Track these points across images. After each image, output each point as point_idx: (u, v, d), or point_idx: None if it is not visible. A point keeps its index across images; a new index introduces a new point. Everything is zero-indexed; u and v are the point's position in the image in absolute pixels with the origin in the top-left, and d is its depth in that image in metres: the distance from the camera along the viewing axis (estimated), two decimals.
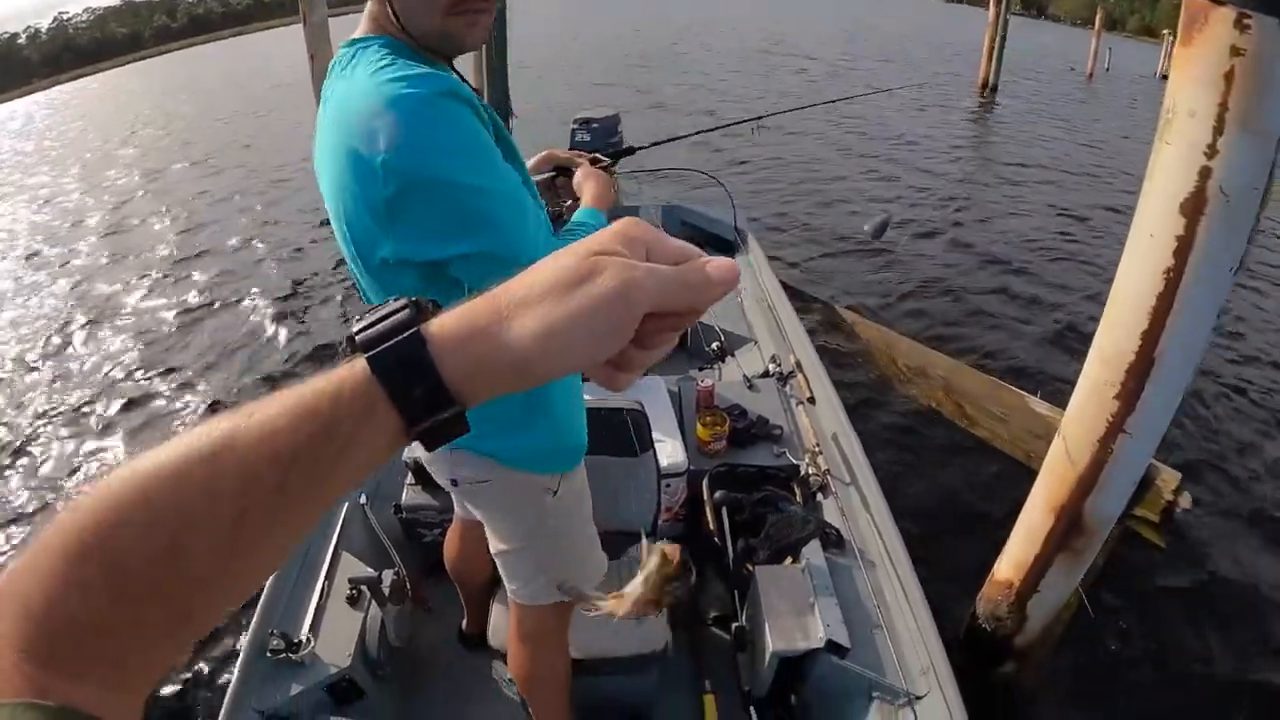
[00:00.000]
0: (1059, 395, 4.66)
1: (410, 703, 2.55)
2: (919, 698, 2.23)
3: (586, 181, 1.66)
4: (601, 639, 2.30)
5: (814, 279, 6.88)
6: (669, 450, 2.84)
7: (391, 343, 0.46)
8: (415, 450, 1.69)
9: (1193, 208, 1.81)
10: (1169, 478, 3.73)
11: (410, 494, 2.76)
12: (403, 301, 0.48)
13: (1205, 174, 1.77)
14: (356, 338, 0.47)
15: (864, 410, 4.73)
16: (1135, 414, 2.18)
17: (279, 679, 2.16)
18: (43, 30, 74.49)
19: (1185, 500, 3.74)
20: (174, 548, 0.41)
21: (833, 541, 2.61)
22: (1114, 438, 2.25)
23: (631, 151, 2.01)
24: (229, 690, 2.11)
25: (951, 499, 4.16)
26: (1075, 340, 5.75)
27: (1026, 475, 3.92)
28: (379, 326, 0.47)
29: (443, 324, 0.47)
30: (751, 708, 2.39)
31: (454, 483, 1.67)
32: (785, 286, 4.31)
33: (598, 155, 1.86)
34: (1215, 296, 1.94)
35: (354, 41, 1.25)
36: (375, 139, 1.08)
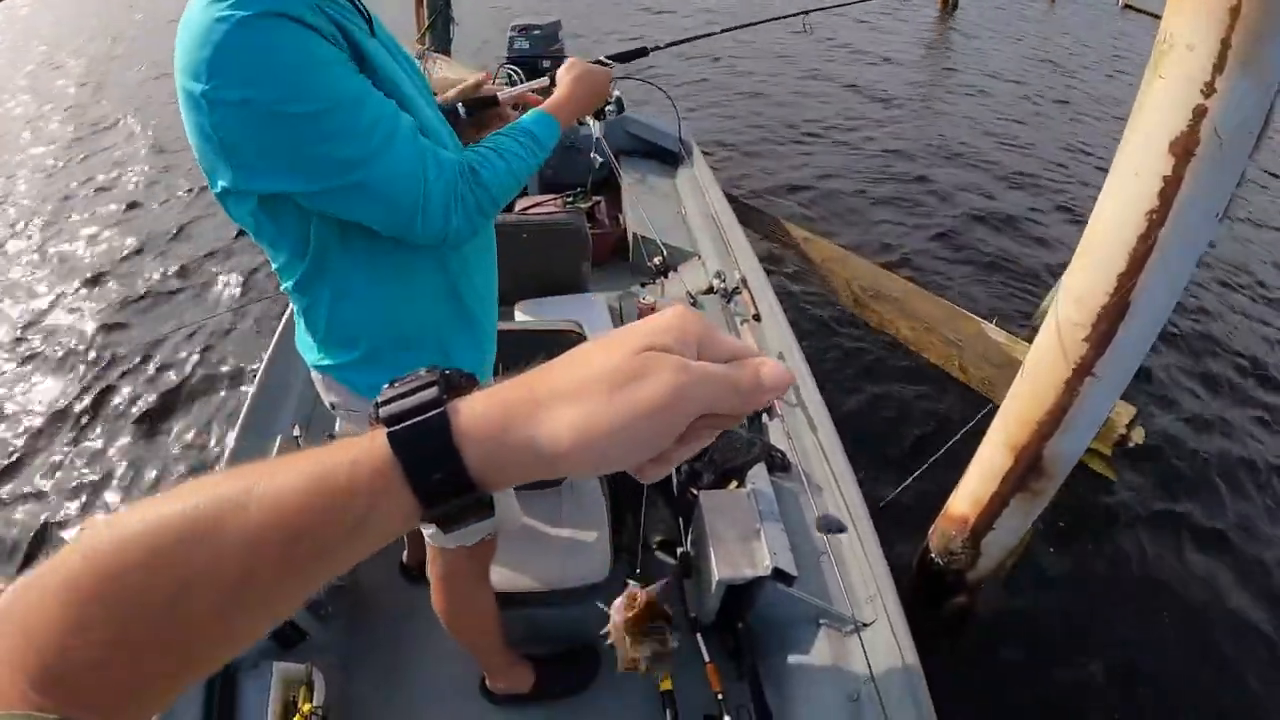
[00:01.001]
0: (1014, 325, 4.69)
1: (355, 639, 2.47)
2: (865, 625, 2.24)
3: (567, 74, 1.56)
4: (542, 571, 2.26)
5: (762, 197, 6.71)
6: None
7: (415, 421, 0.44)
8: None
9: (1183, 147, 1.73)
10: (1123, 411, 3.78)
11: (343, 425, 2.60)
12: (433, 376, 0.47)
13: (1200, 113, 1.68)
14: (380, 410, 0.46)
15: (812, 331, 4.69)
16: (1105, 357, 2.13)
17: None
18: None
19: (1138, 435, 3.80)
20: (175, 602, 0.40)
21: (779, 465, 2.55)
22: (1080, 380, 2.22)
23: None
24: None
25: (901, 425, 4.17)
26: (1031, 274, 5.72)
27: (980, 403, 3.96)
28: (405, 402, 0.45)
29: (473, 407, 0.45)
30: (699, 635, 2.36)
31: (332, 406, 1.61)
32: (731, 201, 4.16)
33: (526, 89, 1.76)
34: (1198, 242, 1.89)
35: None
36: (198, 71, 1.04)
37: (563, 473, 0.45)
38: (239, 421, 2.68)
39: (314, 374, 1.56)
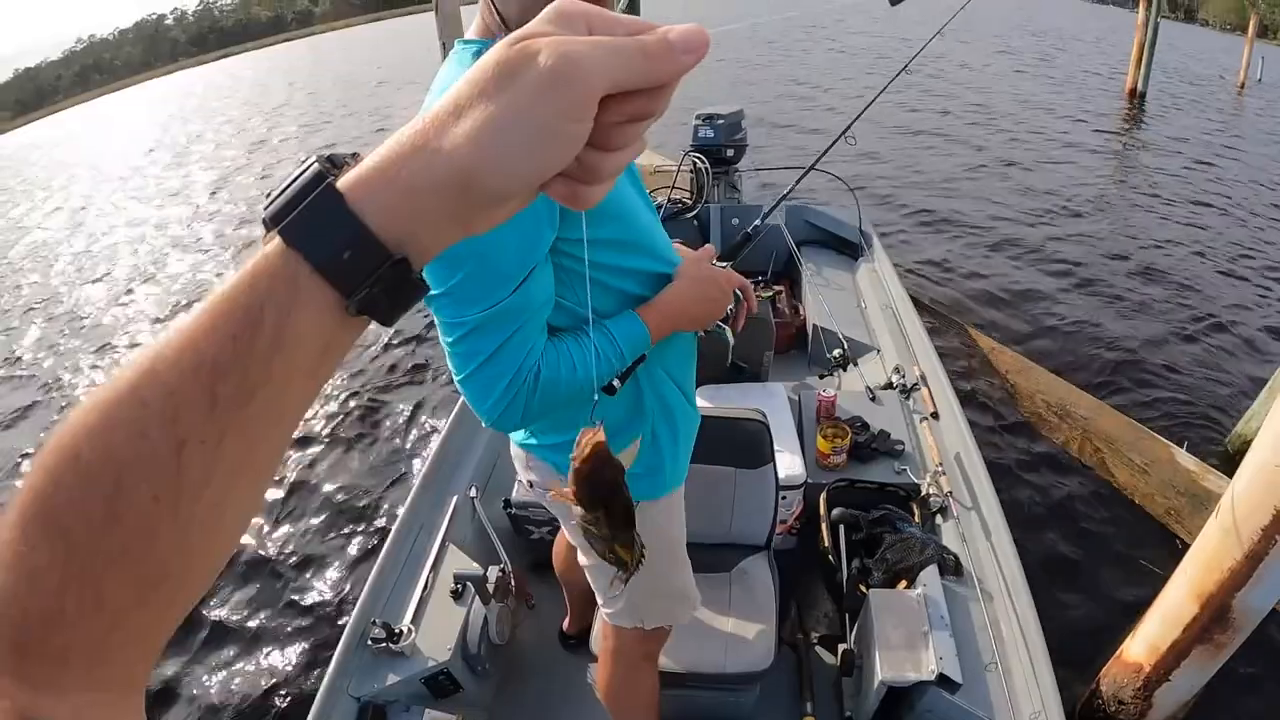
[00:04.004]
0: (1206, 452, 4.37)
1: (507, 700, 2.59)
2: None
3: (676, 281, 1.40)
4: (706, 653, 2.30)
5: (945, 298, 6.61)
6: (787, 461, 2.80)
7: (302, 205, 0.39)
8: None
9: None
10: None
11: (521, 490, 2.77)
12: (312, 158, 0.41)
13: None
14: (265, 215, 0.40)
15: (990, 440, 4.52)
16: None
17: (378, 668, 2.19)
18: (189, 12, 79.42)
19: None
20: (113, 501, 0.35)
21: (950, 568, 2.52)
22: (1276, 532, 2.06)
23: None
24: (326, 676, 2.15)
25: (1077, 549, 3.92)
26: (1232, 396, 5.29)
27: (1163, 534, 3.71)
28: (286, 193, 0.40)
29: (360, 168, 0.40)
30: None
31: (530, 485, 1.65)
32: (914, 301, 4.18)
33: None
34: None
35: (465, 43, 1.24)
36: None
37: (489, 193, 0.40)
38: (419, 478, 2.90)
39: (514, 449, 1.64)
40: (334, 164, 0.41)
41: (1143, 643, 2.54)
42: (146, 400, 0.36)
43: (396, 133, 0.40)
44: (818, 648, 2.69)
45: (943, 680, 2.21)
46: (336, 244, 0.39)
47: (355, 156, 0.42)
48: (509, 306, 1.12)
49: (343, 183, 0.39)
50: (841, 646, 2.45)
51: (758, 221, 3.69)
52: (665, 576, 1.79)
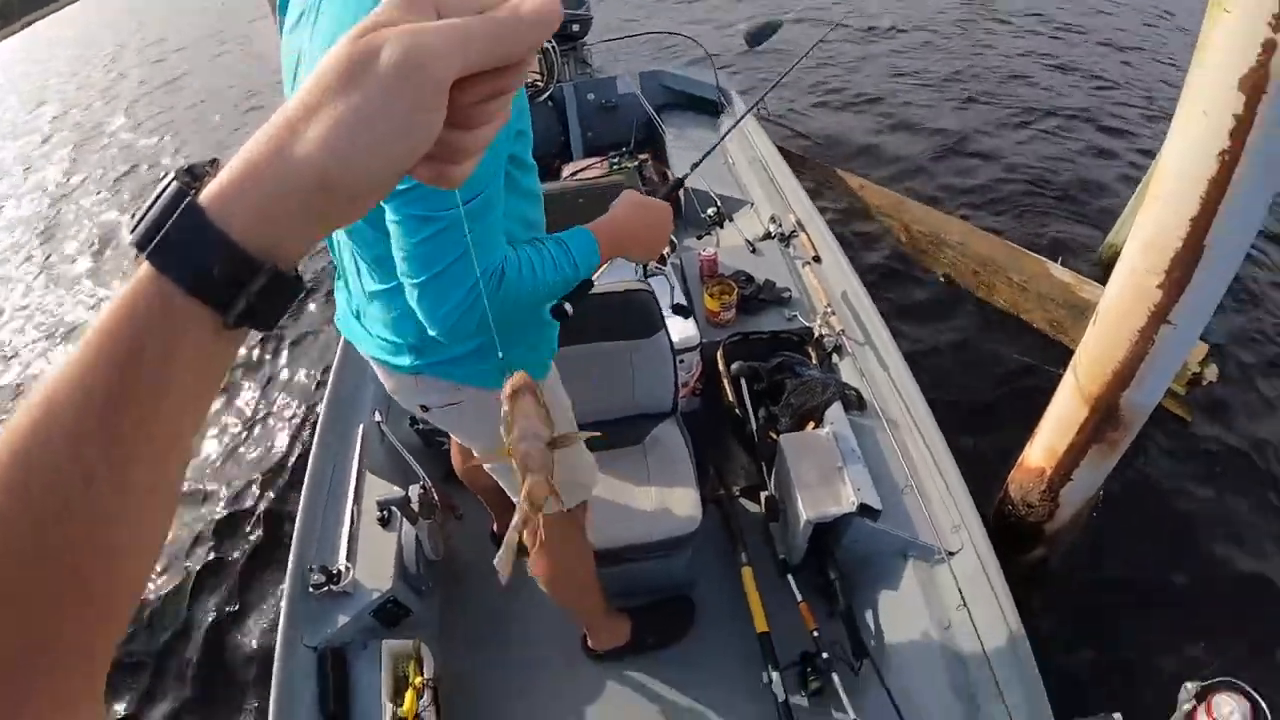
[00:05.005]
0: (1083, 262, 4.61)
1: (456, 611, 2.61)
2: (952, 554, 2.31)
3: (619, 205, 1.44)
4: (634, 526, 2.33)
5: (809, 146, 6.56)
6: (679, 325, 2.79)
7: (165, 228, 0.39)
8: None
9: (1253, 85, 1.68)
10: (1196, 350, 3.69)
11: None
12: (171, 175, 0.41)
13: (1270, 47, 1.63)
14: (131, 240, 0.40)
15: (873, 276, 4.64)
16: (1180, 304, 2.08)
17: (325, 612, 2.18)
18: None
19: (1212, 373, 3.73)
20: (38, 538, 0.36)
21: (854, 403, 2.60)
22: (1155, 328, 2.17)
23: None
24: (279, 631, 2.12)
25: (969, 371, 4.15)
26: (1103, 209, 5.46)
27: (1049, 345, 3.90)
28: (149, 215, 0.40)
29: (218, 181, 0.39)
30: (789, 576, 2.46)
31: (424, 408, 1.63)
32: (780, 150, 4.13)
33: None
34: (1274, 182, 1.82)
35: None
36: None
37: (352, 191, 0.40)
38: (321, 415, 2.78)
39: (394, 382, 1.58)
40: (194, 176, 0.41)
41: (1041, 448, 2.71)
42: (48, 437, 0.36)
43: (255, 134, 0.40)
44: (741, 499, 2.76)
45: (864, 509, 2.31)
46: (204, 262, 0.38)
47: (214, 164, 0.42)
48: (484, 202, 1.11)
49: (204, 197, 0.39)
50: (764, 494, 2.53)
51: (615, 91, 3.54)
52: (566, 455, 1.78)
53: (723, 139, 2.40)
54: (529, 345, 1.57)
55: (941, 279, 4.71)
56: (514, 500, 1.80)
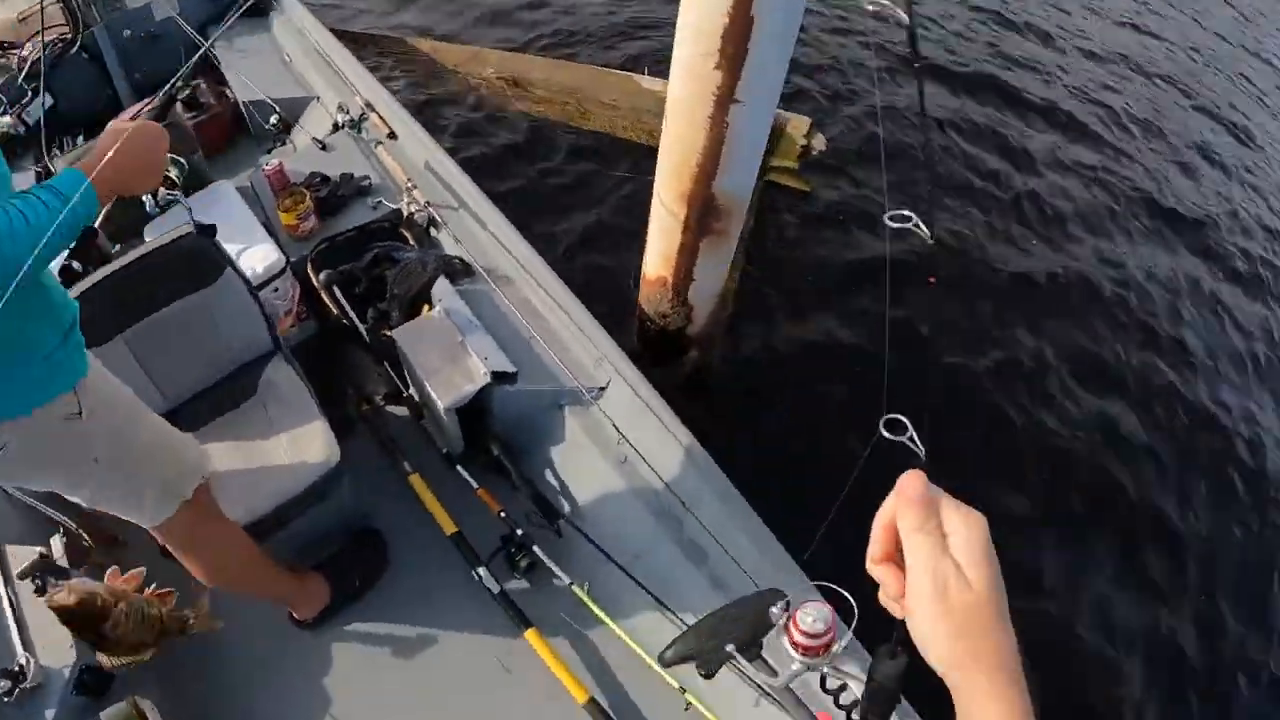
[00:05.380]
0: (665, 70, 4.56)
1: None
2: (603, 389, 2.26)
3: (100, 138, 1.31)
4: (275, 483, 2.08)
5: (371, 22, 6.04)
6: (260, 254, 2.48)
7: None
8: None
9: None
10: (798, 123, 3.81)
11: None
12: None
13: None
14: None
15: (462, 133, 4.38)
16: (744, 80, 2.03)
17: (31, 713, 1.92)
18: None
19: (819, 142, 3.86)
20: None
21: (461, 272, 2.43)
22: (725, 110, 2.12)
23: None
24: None
25: (577, 202, 4.05)
26: (667, 19, 5.35)
27: (651, 155, 3.87)
28: None
29: None
30: (458, 467, 2.31)
31: None
32: (338, 34, 3.72)
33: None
34: None
35: None
36: None
37: None
38: None
39: None
40: None
41: (656, 256, 2.69)
42: None
43: None
44: (389, 408, 2.53)
45: (498, 377, 2.19)
46: None
47: None
48: None
49: None
50: (404, 395, 2.32)
51: (153, 18, 3.00)
52: (151, 450, 1.60)
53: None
54: (46, 344, 1.34)
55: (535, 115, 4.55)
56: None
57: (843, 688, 1.22)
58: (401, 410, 2.48)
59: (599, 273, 3.42)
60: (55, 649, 1.99)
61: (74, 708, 1.96)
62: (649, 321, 2.89)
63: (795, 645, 1.05)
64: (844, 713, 1.16)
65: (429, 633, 2.24)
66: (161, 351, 2.04)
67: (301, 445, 2.14)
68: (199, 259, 2.04)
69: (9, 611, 2.05)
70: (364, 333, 2.36)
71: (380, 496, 2.40)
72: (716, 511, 2.05)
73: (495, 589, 2.15)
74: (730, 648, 1.28)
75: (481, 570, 2.17)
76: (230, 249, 2.23)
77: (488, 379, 2.17)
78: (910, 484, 0.60)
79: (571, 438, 2.30)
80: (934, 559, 0.58)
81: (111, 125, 1.33)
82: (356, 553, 2.33)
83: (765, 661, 1.29)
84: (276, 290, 2.50)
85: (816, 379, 3.34)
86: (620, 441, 2.16)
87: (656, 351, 2.96)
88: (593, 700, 2.03)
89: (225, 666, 2.26)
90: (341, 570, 2.28)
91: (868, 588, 0.68)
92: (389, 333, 2.30)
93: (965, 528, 0.59)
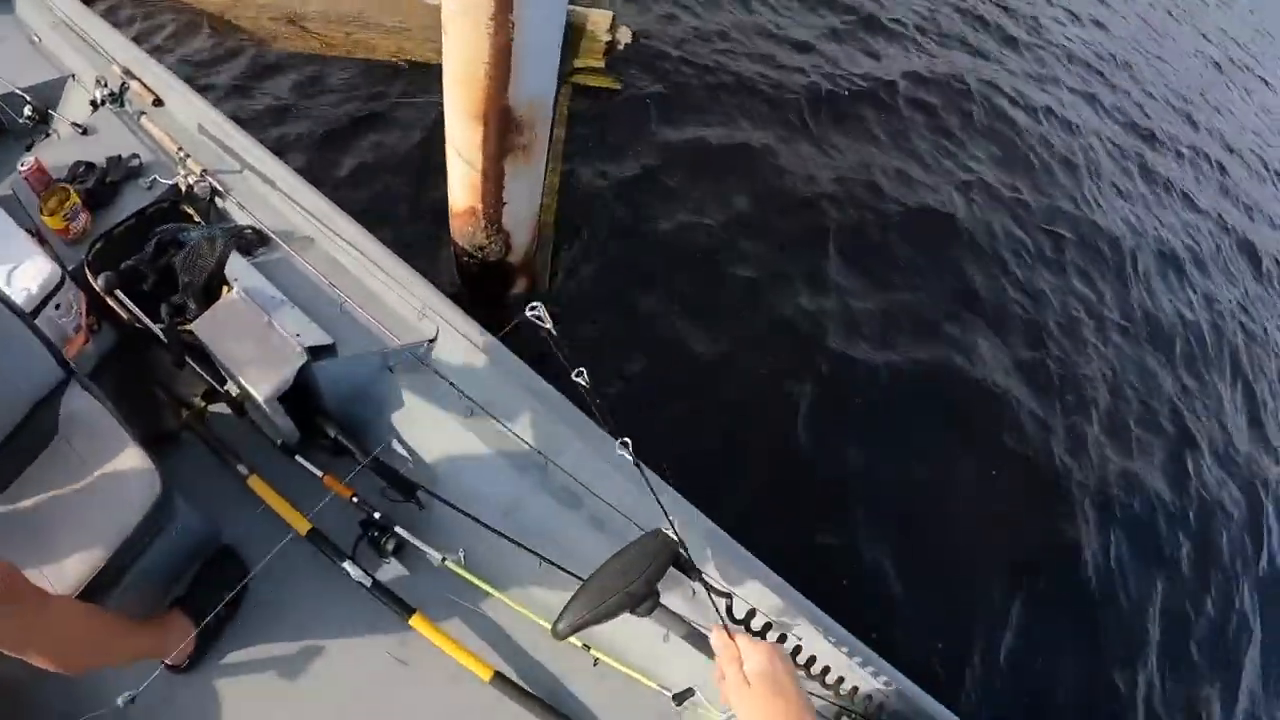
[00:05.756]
0: None
1: None
2: (433, 340, 2.06)
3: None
4: (96, 536, 1.78)
5: None
6: (32, 271, 2.12)
7: None
8: None
9: None
10: (599, 19, 3.51)
11: None
12: None
13: None
14: None
15: (238, 87, 3.91)
16: None
17: None
18: None
19: (625, 35, 3.57)
20: None
21: (254, 242, 2.16)
22: (509, 8, 1.88)
23: None
24: None
25: (375, 139, 3.70)
26: None
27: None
28: None
29: None
30: (297, 457, 2.10)
31: None
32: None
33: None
34: None
35: None
36: None
37: None
38: None
39: None
40: None
41: (458, 185, 2.44)
42: None
43: None
44: (210, 408, 2.28)
45: (315, 352, 1.95)
46: None
47: None
48: None
49: None
50: (223, 391, 2.09)
51: None
52: None
53: None
54: None
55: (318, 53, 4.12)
56: None
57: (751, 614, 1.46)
58: (226, 409, 2.23)
59: (408, 216, 3.14)
60: None
61: None
62: (466, 257, 2.64)
63: None
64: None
65: (311, 644, 2.06)
66: None
67: (120, 479, 1.87)
68: None
69: None
70: (159, 334, 2.08)
71: (224, 507, 2.16)
72: (579, 451, 1.88)
73: (367, 581, 1.97)
74: (626, 612, 1.25)
75: (348, 565, 1.97)
76: None
77: (304, 357, 1.93)
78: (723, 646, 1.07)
79: (410, 400, 2.09)
80: (736, 674, 1.03)
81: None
82: (212, 577, 2.10)
83: (665, 609, 1.26)
84: (59, 308, 2.18)
85: (656, 286, 3.17)
86: (461, 395, 1.96)
87: (481, 289, 2.72)
88: (498, 674, 1.89)
89: None
90: (200, 601, 2.04)
91: None
92: (187, 328, 2.03)
93: (752, 655, 1.04)
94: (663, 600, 1.27)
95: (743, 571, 1.82)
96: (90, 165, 2.41)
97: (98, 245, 2.24)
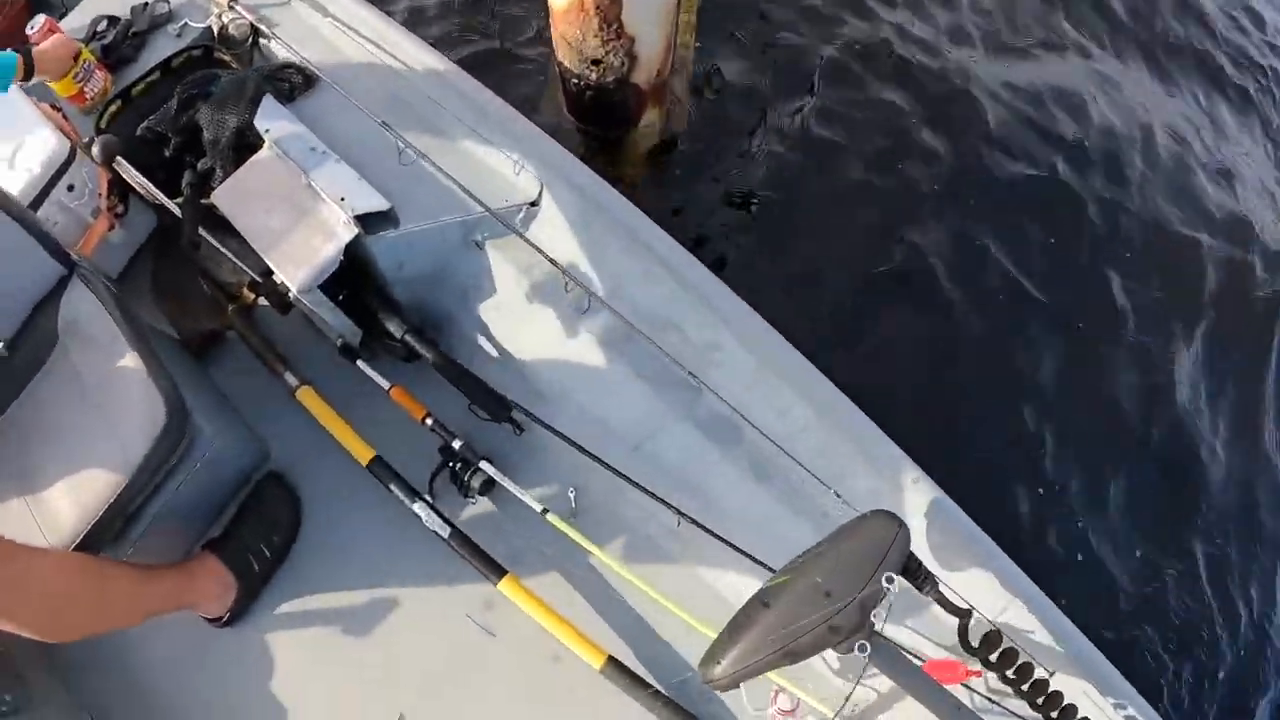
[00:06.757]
0: None
1: (53, 700, 1.72)
2: (534, 204, 1.54)
3: None
4: (100, 469, 1.43)
5: None
6: (36, 147, 1.74)
7: None
8: None
9: None
10: None
11: None
12: None
13: None
14: None
15: None
16: None
17: None
18: None
19: None
20: None
21: (296, 85, 1.68)
22: None
23: None
24: None
25: None
26: None
27: None
28: None
29: None
30: (359, 362, 1.65)
31: None
32: None
33: None
34: None
35: None
36: None
37: None
38: None
39: None
40: None
41: None
42: None
43: None
44: (260, 301, 1.85)
45: (368, 222, 1.48)
46: None
47: None
48: None
49: None
50: (264, 280, 1.65)
51: None
52: None
53: None
54: None
55: None
56: None
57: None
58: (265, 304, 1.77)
59: (504, 32, 2.49)
60: None
61: None
62: (575, 78, 2.02)
63: None
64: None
65: (375, 598, 1.66)
66: None
67: (123, 394, 1.47)
68: None
69: None
70: (174, 210, 1.61)
71: (271, 426, 1.75)
72: (743, 364, 1.35)
73: (444, 530, 1.50)
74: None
75: (419, 507, 1.51)
76: None
77: (353, 229, 1.44)
78: None
79: (504, 287, 1.59)
80: None
81: None
82: (256, 514, 1.70)
83: (884, 644, 0.87)
84: (71, 188, 1.77)
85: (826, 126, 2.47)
86: (573, 281, 1.43)
87: (597, 123, 2.12)
88: (613, 662, 1.41)
89: (146, 697, 1.73)
90: (240, 543, 1.66)
91: None
92: (209, 199, 1.57)
93: None
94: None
95: (980, 570, 1.25)
96: (112, 19, 1.98)
97: (112, 107, 1.81)
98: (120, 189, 1.84)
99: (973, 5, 3.01)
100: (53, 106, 1.85)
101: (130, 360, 1.47)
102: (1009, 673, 1.00)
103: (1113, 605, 2.07)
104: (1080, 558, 2.08)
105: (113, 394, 1.48)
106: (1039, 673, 1.05)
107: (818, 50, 2.65)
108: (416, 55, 1.67)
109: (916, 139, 2.60)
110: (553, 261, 1.43)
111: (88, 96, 1.87)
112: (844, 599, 0.81)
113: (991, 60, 2.91)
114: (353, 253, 1.47)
